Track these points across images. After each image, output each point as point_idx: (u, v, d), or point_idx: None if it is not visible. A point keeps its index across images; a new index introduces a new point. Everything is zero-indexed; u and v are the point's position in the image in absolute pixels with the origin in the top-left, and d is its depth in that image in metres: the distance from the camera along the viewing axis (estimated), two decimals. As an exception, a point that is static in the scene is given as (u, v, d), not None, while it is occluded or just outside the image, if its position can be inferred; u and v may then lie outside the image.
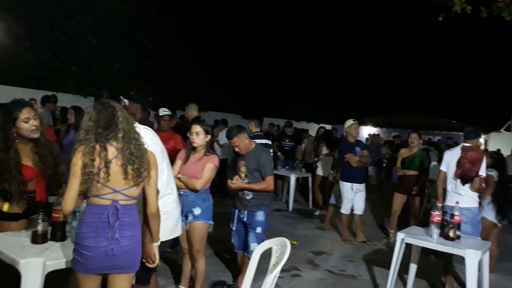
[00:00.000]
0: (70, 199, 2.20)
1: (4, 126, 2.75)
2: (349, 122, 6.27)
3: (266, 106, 20.16)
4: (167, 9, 15.76)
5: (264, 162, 3.89)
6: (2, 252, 2.49)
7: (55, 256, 2.48)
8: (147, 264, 2.53)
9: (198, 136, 3.59)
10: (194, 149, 3.65)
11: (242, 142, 3.93)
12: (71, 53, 13.30)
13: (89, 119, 2.26)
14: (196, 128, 3.59)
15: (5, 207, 2.78)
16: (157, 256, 2.55)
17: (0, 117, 2.77)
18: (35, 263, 2.39)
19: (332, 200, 6.79)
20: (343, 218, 6.38)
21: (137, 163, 2.25)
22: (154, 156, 2.43)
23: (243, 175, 3.99)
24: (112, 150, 2.23)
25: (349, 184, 6.20)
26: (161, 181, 2.80)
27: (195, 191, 3.58)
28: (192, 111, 6.71)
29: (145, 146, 2.37)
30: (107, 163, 2.19)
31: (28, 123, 2.75)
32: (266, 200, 4.01)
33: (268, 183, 3.90)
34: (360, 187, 6.25)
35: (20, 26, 12.41)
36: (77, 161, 2.19)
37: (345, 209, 6.29)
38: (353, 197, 6.22)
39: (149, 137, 2.70)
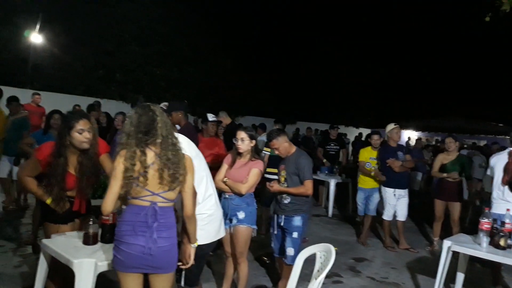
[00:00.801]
0: (110, 200, 2.28)
1: (61, 133, 2.88)
2: (391, 126, 6.14)
3: (304, 110, 20.12)
4: (206, 16, 16.08)
5: (303, 166, 3.88)
6: (58, 252, 2.63)
7: (106, 257, 2.58)
8: (179, 264, 2.57)
9: (244, 142, 3.65)
10: (239, 154, 3.71)
11: (282, 145, 3.96)
12: (115, 61, 13.81)
13: (130, 123, 2.33)
14: (241, 134, 3.66)
15: (49, 201, 2.92)
16: (192, 257, 2.61)
17: (60, 125, 2.93)
18: (88, 264, 2.50)
19: (360, 212, 6.45)
20: (385, 225, 6.24)
21: (173, 168, 2.31)
22: (191, 161, 2.48)
23: (282, 178, 4.01)
24: (150, 155, 2.29)
25: (392, 190, 6.06)
26: (201, 187, 2.87)
27: (239, 195, 3.63)
28: (225, 117, 6.86)
29: (183, 151, 2.42)
30: (146, 168, 2.26)
31: (81, 134, 2.85)
32: (304, 205, 3.98)
33: (307, 188, 3.88)
34: (403, 193, 6.09)
35: (68, 36, 13.02)
36: (119, 165, 2.26)
37: (387, 215, 6.15)
38: (396, 203, 6.08)
39: (184, 145, 2.79)
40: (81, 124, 2.85)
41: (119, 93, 13.79)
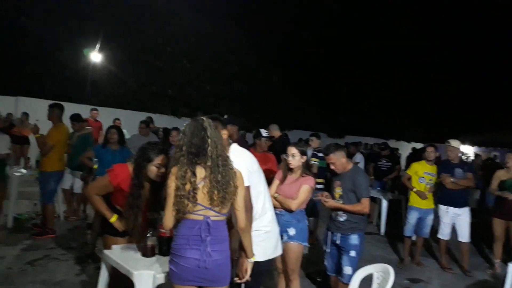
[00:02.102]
0: (169, 217, 2.35)
1: (140, 164, 2.96)
2: (451, 141, 5.86)
3: (352, 124, 19.79)
4: (254, 32, 16.32)
5: (360, 183, 3.80)
6: (118, 263, 2.73)
7: (163, 269, 2.64)
8: (236, 279, 2.57)
9: (294, 157, 3.65)
10: (290, 169, 3.71)
11: (339, 160, 3.90)
12: (167, 77, 14.33)
13: (182, 141, 2.37)
14: (292, 150, 3.66)
15: (113, 219, 3.03)
16: (249, 272, 2.60)
17: (138, 155, 3.00)
18: (147, 275, 2.58)
19: (408, 231, 5.94)
20: (441, 244, 5.95)
21: (222, 189, 2.32)
22: (241, 175, 2.48)
23: (337, 195, 3.94)
24: (200, 175, 2.32)
25: (445, 207, 5.79)
26: (258, 203, 2.88)
27: (290, 211, 3.61)
28: (275, 131, 6.80)
29: (233, 168, 2.40)
30: (195, 188, 2.29)
31: (158, 169, 2.93)
32: (361, 224, 3.90)
33: (364, 205, 3.80)
34: (459, 212, 5.74)
35: (123, 54, 13.70)
36: (171, 183, 2.32)
37: (442, 234, 5.86)
38: (450, 221, 5.78)
39: (246, 160, 2.81)
40: (159, 160, 2.93)
41: (170, 108, 14.25)
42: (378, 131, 19.21)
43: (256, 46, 16.35)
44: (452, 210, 5.74)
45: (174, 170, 2.33)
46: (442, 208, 5.80)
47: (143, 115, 12.36)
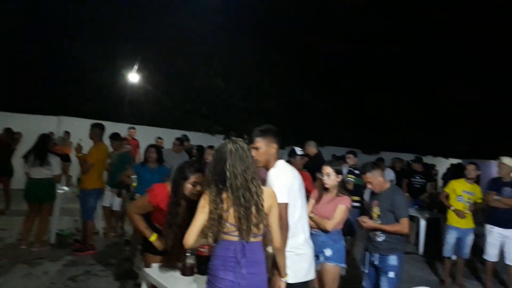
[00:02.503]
0: (192, 233, 2.31)
1: (177, 182, 3.02)
2: (502, 159, 5.61)
3: (387, 139, 19.40)
4: (285, 49, 16.44)
5: (399, 203, 3.72)
6: (159, 281, 2.79)
7: (202, 288, 2.67)
8: None
9: (329, 177, 3.62)
10: (326, 189, 3.68)
11: (376, 179, 3.83)
12: (201, 95, 14.63)
13: (210, 165, 2.41)
14: (327, 169, 3.64)
15: (153, 238, 3.10)
16: None
17: (176, 173, 3.08)
18: (187, 295, 2.61)
19: (447, 252, 5.73)
20: (487, 266, 5.68)
21: (248, 216, 2.28)
22: (275, 194, 2.46)
23: (375, 215, 3.87)
24: (228, 202, 2.30)
25: (490, 226, 5.54)
26: (293, 217, 2.85)
27: (325, 231, 3.57)
28: (311, 148, 6.73)
29: (261, 190, 2.35)
30: (224, 213, 2.29)
31: (194, 187, 2.97)
32: (399, 244, 3.80)
33: (403, 226, 3.71)
34: (507, 233, 5.44)
35: (159, 73, 14.14)
36: (205, 205, 2.33)
37: (488, 255, 5.59)
38: (497, 242, 5.52)
39: (288, 177, 2.81)
40: (195, 178, 2.97)
41: (204, 125, 14.49)
42: (415, 147, 18.71)
43: (288, 62, 16.44)
44: (497, 230, 5.48)
45: (207, 192, 2.35)
46: (487, 227, 5.57)
47: (177, 133, 12.67)
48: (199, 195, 2.82)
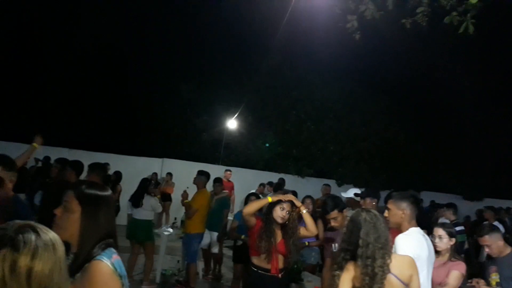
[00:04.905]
0: None
1: (269, 207, 3.63)
2: None
3: (493, 184, 17.71)
4: (376, 90, 16.13)
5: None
6: None
7: None
8: None
9: (442, 240, 3.46)
10: (437, 252, 3.51)
11: (495, 243, 3.58)
12: (292, 138, 14.86)
13: (344, 235, 2.50)
14: (439, 232, 3.48)
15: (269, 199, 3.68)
16: None
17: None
18: None
19: None
20: None
21: (373, 286, 2.31)
22: (414, 262, 2.47)
23: (494, 282, 3.57)
24: (357, 271, 2.36)
25: None
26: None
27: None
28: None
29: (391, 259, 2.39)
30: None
31: (282, 211, 3.59)
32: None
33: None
34: None
35: (253, 117, 14.72)
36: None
37: None
38: None
39: (414, 243, 2.80)
40: (284, 205, 3.60)
41: (294, 167, 14.60)
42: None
43: (379, 104, 16.07)
44: None
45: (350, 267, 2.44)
46: None
47: (269, 175, 12.96)
48: (285, 221, 3.59)
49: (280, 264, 3.57)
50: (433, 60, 15.86)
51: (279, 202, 3.59)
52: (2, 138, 10.42)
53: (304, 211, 3.70)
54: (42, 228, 1.18)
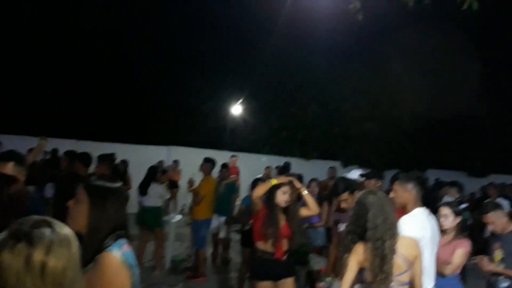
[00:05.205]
0: (346, 282, 2.51)
1: (271, 192, 3.63)
2: None
3: (498, 160, 17.61)
4: (382, 70, 15.98)
5: (528, 246, 3.46)
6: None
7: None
8: None
9: (447, 218, 3.49)
10: (443, 231, 3.55)
11: (499, 220, 3.62)
12: (297, 122, 14.87)
13: (352, 218, 2.58)
14: (445, 210, 3.51)
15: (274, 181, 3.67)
16: None
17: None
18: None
19: None
20: None
21: (383, 266, 2.38)
22: (416, 243, 2.54)
23: (497, 258, 3.63)
24: (366, 253, 2.45)
25: None
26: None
27: (442, 276, 3.44)
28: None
29: (398, 239, 2.47)
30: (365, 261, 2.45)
31: (284, 195, 3.60)
32: (525, 291, 3.52)
33: (532, 273, 3.43)
34: None
35: (258, 103, 14.71)
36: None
37: None
38: None
39: (418, 224, 2.87)
40: (286, 188, 3.61)
41: (299, 151, 14.65)
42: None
43: (387, 85, 15.94)
44: None
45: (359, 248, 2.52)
46: None
47: (274, 159, 13.00)
48: (287, 204, 3.62)
49: (284, 247, 3.64)
50: (436, 39, 15.66)
51: (279, 186, 3.60)
52: (9, 132, 10.52)
53: (305, 192, 3.75)
54: (57, 224, 1.19)
